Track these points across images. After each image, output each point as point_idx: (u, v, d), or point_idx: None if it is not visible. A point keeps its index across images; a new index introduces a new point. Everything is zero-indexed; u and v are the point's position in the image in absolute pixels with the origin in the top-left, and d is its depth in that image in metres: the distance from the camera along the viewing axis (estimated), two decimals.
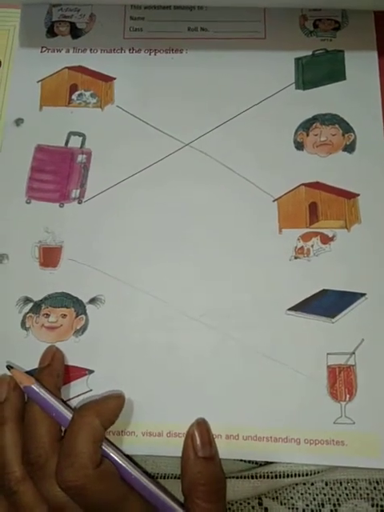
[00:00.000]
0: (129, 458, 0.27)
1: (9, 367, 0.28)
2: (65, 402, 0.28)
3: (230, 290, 0.30)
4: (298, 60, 0.34)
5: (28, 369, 0.29)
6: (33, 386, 0.27)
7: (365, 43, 0.34)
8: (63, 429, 0.27)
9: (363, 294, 0.30)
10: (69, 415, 0.26)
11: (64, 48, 0.35)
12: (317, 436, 0.28)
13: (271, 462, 0.28)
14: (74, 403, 0.29)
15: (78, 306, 0.30)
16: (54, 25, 0.36)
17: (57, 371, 0.29)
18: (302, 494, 0.28)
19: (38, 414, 0.26)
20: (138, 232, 0.31)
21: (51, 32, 0.36)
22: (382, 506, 0.28)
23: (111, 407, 0.27)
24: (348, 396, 0.28)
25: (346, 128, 0.33)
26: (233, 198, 0.32)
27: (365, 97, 0.33)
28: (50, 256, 0.31)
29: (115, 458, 0.26)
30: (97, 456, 0.25)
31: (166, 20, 0.35)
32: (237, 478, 0.28)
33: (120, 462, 0.26)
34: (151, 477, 0.27)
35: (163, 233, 0.31)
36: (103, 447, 0.26)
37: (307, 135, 0.33)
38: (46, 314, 0.30)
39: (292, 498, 0.28)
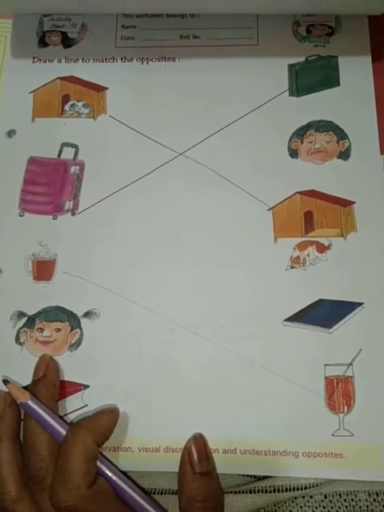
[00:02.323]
0: (124, 473, 0.27)
1: (5, 381, 0.28)
2: (61, 417, 0.28)
3: (225, 301, 0.30)
4: (291, 66, 0.34)
5: (23, 384, 0.29)
6: (29, 402, 0.26)
7: (359, 48, 0.34)
8: None
9: (360, 304, 0.29)
10: (64, 431, 0.26)
11: (56, 58, 0.35)
12: (315, 449, 0.27)
13: (269, 476, 0.28)
14: (69, 419, 0.28)
15: (73, 320, 0.30)
16: (46, 35, 0.36)
17: (52, 382, 0.28)
18: (301, 507, 0.28)
19: (36, 428, 0.26)
20: (132, 243, 0.31)
21: (43, 42, 0.35)
22: None
23: (104, 423, 0.27)
24: (346, 408, 0.28)
25: (341, 135, 0.32)
26: (227, 207, 0.32)
27: (359, 103, 0.33)
28: (43, 269, 0.31)
29: (110, 475, 0.26)
30: (90, 475, 0.25)
31: (158, 28, 0.35)
32: (235, 492, 0.27)
33: (115, 479, 0.26)
34: (147, 493, 0.27)
35: (157, 244, 0.31)
36: (98, 464, 0.26)
37: (301, 142, 0.32)
38: (41, 329, 0.30)
39: (291, 511, 0.28)
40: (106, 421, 0.27)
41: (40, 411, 0.26)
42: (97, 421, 0.27)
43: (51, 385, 0.28)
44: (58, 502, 0.24)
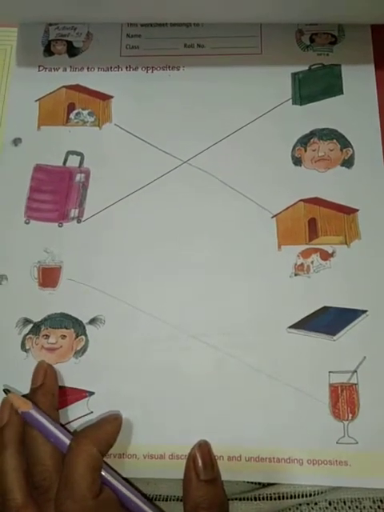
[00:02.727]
0: (129, 482, 0.27)
1: (6, 391, 0.28)
2: (63, 425, 0.28)
3: (230, 308, 0.30)
4: (294, 75, 0.34)
5: (28, 391, 0.29)
6: (31, 411, 0.26)
7: (362, 57, 0.34)
8: None
9: (364, 311, 0.29)
10: (67, 441, 0.26)
11: (61, 67, 0.35)
12: (320, 456, 0.27)
13: (274, 483, 0.28)
14: (74, 425, 0.29)
15: (78, 327, 0.30)
16: (51, 43, 0.36)
17: (51, 390, 0.28)
18: None
19: (39, 437, 0.26)
20: (137, 251, 0.31)
21: (48, 51, 0.36)
22: None
23: (108, 432, 0.27)
24: (350, 415, 0.28)
25: (344, 143, 0.33)
26: (232, 214, 0.32)
27: (362, 111, 0.33)
28: (49, 276, 0.31)
29: (115, 484, 0.26)
30: (96, 485, 0.25)
31: (163, 37, 0.35)
32: (239, 499, 0.27)
33: (120, 488, 0.26)
34: (152, 501, 0.27)
35: (162, 251, 0.31)
36: (103, 473, 0.26)
37: (305, 150, 0.33)
38: (46, 335, 0.30)
39: None
40: (110, 429, 0.27)
41: (43, 420, 0.26)
42: (101, 430, 0.27)
43: (50, 393, 0.28)
44: None
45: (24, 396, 0.28)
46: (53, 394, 0.28)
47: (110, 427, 0.27)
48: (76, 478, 0.24)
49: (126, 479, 0.27)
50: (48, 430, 0.26)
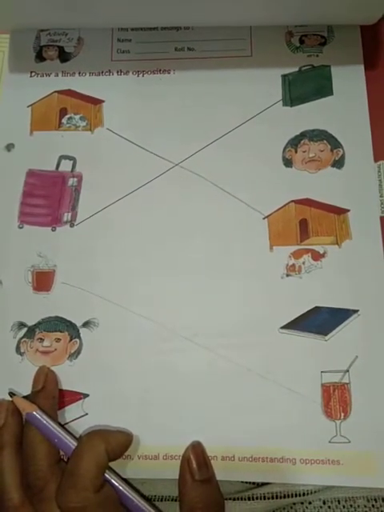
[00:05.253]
0: (128, 482, 0.27)
1: (11, 394, 0.28)
2: (63, 427, 0.28)
3: (222, 310, 0.30)
4: (284, 77, 0.34)
5: (24, 394, 0.29)
6: (34, 413, 0.27)
7: (351, 58, 0.34)
8: (61, 453, 0.27)
9: (356, 311, 0.30)
10: (70, 442, 0.27)
11: (53, 72, 0.36)
12: (312, 455, 0.28)
13: (268, 483, 0.28)
14: (69, 428, 0.29)
15: (72, 330, 0.30)
16: (43, 49, 0.36)
17: (52, 393, 0.29)
18: None
19: (36, 438, 0.27)
20: (130, 254, 0.32)
21: (40, 56, 0.36)
22: None
23: (120, 440, 0.27)
24: (343, 414, 0.28)
25: (335, 143, 0.33)
26: (223, 216, 0.32)
27: (352, 111, 0.33)
28: (42, 280, 0.31)
29: (116, 483, 0.26)
30: (99, 480, 0.25)
31: (153, 41, 0.36)
32: (233, 499, 0.28)
33: (121, 487, 0.26)
34: (150, 501, 0.27)
35: (155, 254, 0.32)
36: (106, 473, 0.26)
37: (296, 152, 0.33)
38: (40, 339, 0.30)
39: None
40: (121, 438, 0.28)
41: (46, 422, 0.27)
42: (112, 434, 0.27)
43: (51, 396, 0.28)
44: (66, 502, 0.25)
45: (25, 398, 0.28)
46: (53, 397, 0.29)
47: (122, 436, 0.28)
48: (81, 471, 0.25)
49: (125, 480, 0.27)
50: (51, 432, 0.27)
